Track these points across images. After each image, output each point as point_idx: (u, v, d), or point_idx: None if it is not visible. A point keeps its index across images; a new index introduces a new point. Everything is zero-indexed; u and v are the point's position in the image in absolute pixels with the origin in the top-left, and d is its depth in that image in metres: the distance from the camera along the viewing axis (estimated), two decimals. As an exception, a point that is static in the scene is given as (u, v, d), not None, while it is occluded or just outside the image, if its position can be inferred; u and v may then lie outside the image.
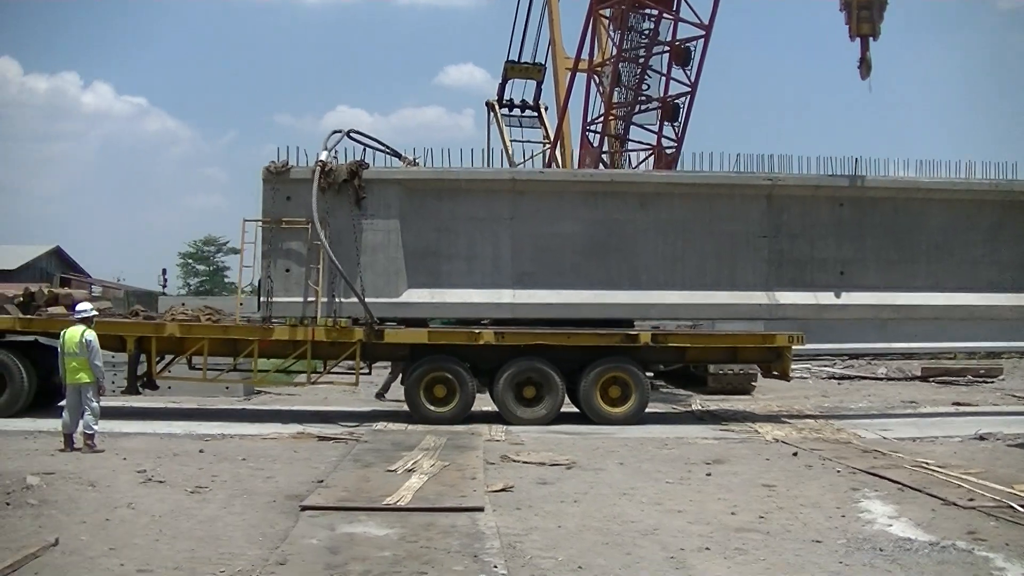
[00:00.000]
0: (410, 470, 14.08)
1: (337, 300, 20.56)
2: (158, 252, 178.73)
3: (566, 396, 20.99)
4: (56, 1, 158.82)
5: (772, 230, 21.89)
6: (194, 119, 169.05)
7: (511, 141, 37.57)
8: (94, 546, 9.92)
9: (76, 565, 9.21)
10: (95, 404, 16.21)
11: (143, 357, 21.02)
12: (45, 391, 21.55)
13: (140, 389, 21.50)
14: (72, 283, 61.68)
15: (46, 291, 22.15)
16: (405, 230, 20.91)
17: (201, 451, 16.21)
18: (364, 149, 21.46)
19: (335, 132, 21.38)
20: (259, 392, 26.88)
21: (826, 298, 21.96)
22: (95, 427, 16.06)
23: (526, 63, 38.84)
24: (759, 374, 25.56)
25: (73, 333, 16.36)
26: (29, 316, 21.20)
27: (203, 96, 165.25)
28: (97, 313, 18.25)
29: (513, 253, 21.23)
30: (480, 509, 11.52)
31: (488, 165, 22.69)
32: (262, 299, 20.81)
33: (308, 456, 16.10)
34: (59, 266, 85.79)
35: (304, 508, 11.56)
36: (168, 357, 21.60)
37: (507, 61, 38.77)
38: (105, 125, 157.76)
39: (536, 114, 39.59)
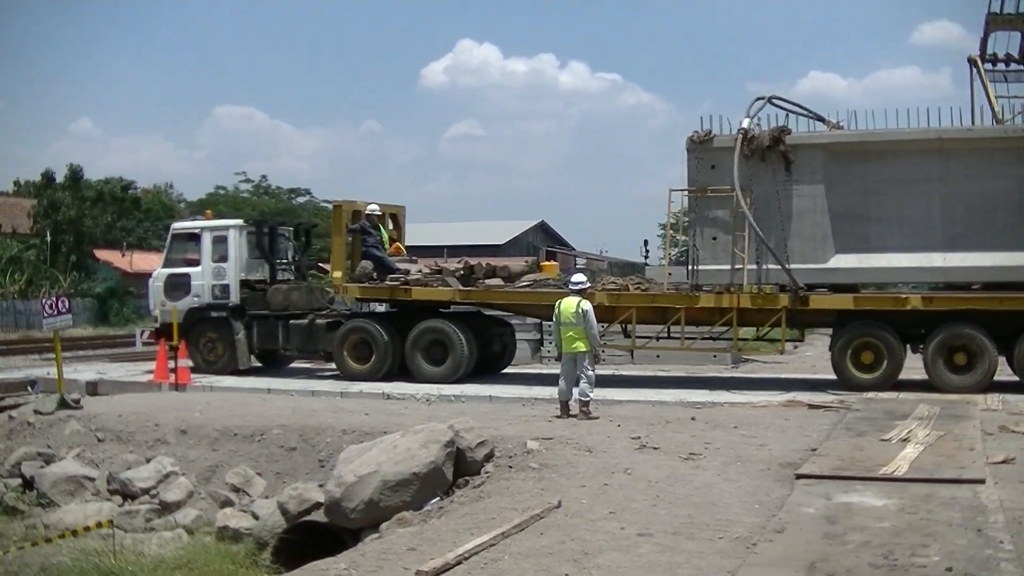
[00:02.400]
0: (904, 439, 13.55)
1: (764, 267, 20.80)
2: (639, 223, 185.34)
3: (999, 363, 20.01)
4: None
5: None
6: (668, 92, 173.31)
7: (996, 97, 35.70)
8: (595, 509, 10.25)
9: (579, 527, 9.54)
10: (591, 372, 16.84)
11: None
12: (485, 359, 23.46)
13: None
14: (557, 256, 65.83)
15: (484, 264, 23.56)
16: (830, 194, 20.76)
17: (693, 418, 16.52)
18: (787, 115, 21.59)
19: (757, 99, 21.51)
20: (746, 360, 27.18)
21: None
22: (590, 394, 16.75)
23: (1010, 14, 36.62)
24: None
25: (569, 304, 17.09)
26: (468, 288, 22.76)
27: (676, 69, 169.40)
28: (590, 285, 19.05)
29: (943, 215, 20.53)
30: (981, 481, 10.91)
31: (978, 123, 21.73)
32: (689, 267, 21.48)
33: (799, 424, 15.99)
34: (544, 240, 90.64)
35: (799, 476, 11.34)
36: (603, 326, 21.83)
37: (989, 13, 36.73)
38: (582, 103, 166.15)
39: (1024, 67, 37.43)
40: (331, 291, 25.24)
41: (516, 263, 24.55)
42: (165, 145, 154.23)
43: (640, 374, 23.82)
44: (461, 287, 22.75)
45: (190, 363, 23.05)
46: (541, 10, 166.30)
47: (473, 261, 24.07)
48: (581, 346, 16.82)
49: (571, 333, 16.91)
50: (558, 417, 16.71)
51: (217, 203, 70.97)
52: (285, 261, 26.19)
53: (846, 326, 20.57)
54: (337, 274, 24.06)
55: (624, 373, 23.70)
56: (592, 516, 10.06)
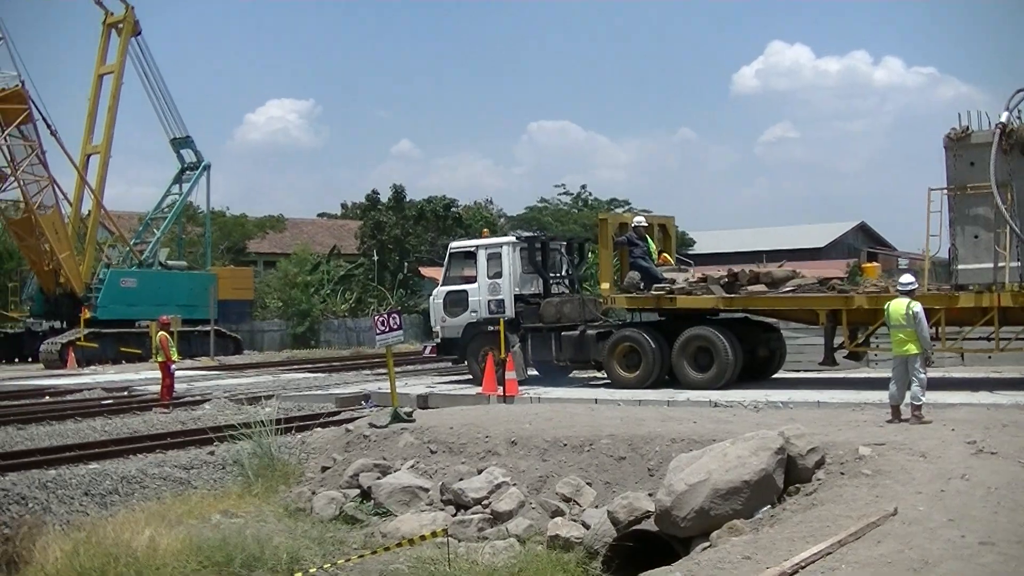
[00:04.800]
0: None
1: None
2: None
3: None
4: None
5: None
6: (987, 83, 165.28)
7: None
8: (932, 516, 10.15)
9: (917, 534, 9.50)
10: (922, 375, 16.45)
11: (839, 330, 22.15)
12: (753, 364, 23.87)
13: (836, 361, 22.63)
14: (879, 257, 64.16)
15: (747, 271, 23.64)
16: None
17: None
18: None
19: (1018, 91, 20.65)
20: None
21: None
22: (922, 398, 16.37)
23: None
24: None
25: (898, 306, 16.79)
26: (731, 295, 23.14)
27: (995, 59, 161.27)
28: (918, 286, 18.50)
29: None
30: None
31: None
32: (950, 267, 21.12)
33: None
34: (865, 241, 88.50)
35: None
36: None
37: None
38: (898, 98, 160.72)
39: None
40: (604, 302, 25.80)
41: (780, 269, 24.42)
42: (483, 162, 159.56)
43: (972, 376, 23.04)
44: (724, 294, 23.16)
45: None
46: (853, 6, 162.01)
47: (737, 268, 24.28)
48: (912, 348, 16.53)
49: (901, 335, 16.66)
50: (889, 422, 16.42)
51: (543, 216, 72.73)
52: (559, 275, 27.28)
53: None
54: (605, 285, 25.01)
55: (955, 375, 22.98)
56: (930, 524, 9.97)
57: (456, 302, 26.76)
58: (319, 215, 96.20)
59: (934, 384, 18.37)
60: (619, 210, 73.38)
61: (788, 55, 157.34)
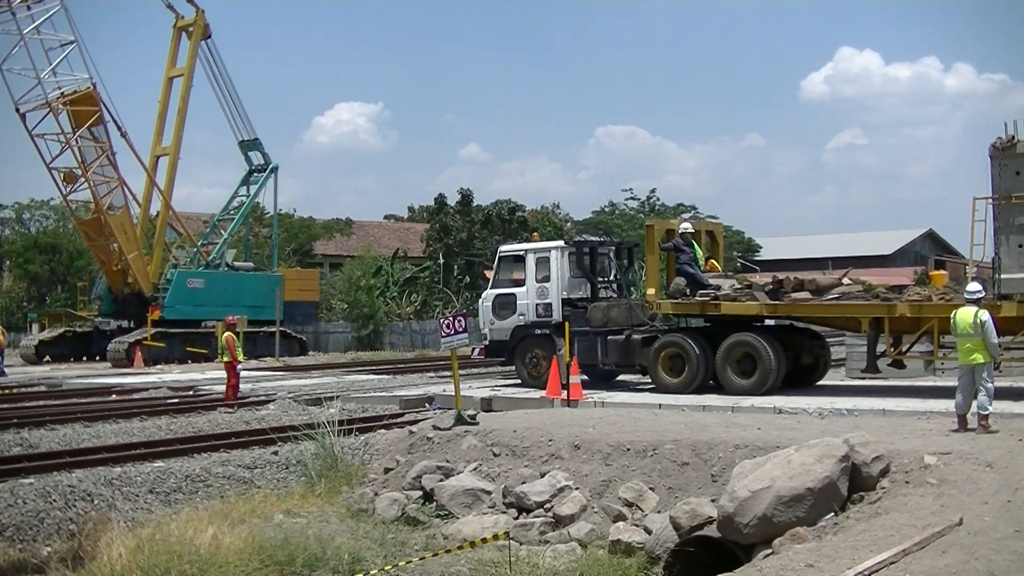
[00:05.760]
0: None
1: None
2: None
3: None
4: None
5: None
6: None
7: None
8: (999, 527, 10.02)
9: (982, 545, 9.38)
10: (990, 385, 16.25)
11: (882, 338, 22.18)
12: (797, 371, 23.95)
13: (879, 368, 22.54)
14: (947, 265, 63.65)
15: (792, 278, 23.73)
16: None
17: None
18: None
19: None
20: None
21: None
22: (989, 408, 16.14)
23: None
24: None
25: (965, 314, 16.57)
26: (775, 302, 23.19)
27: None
28: (984, 293, 18.19)
29: None
30: None
31: None
32: (994, 276, 20.88)
33: None
34: (933, 248, 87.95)
35: None
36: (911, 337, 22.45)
37: None
38: (968, 105, 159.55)
39: None
40: (650, 307, 25.93)
41: (825, 276, 24.45)
42: (551, 167, 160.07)
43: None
44: (768, 301, 23.25)
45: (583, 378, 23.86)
46: (924, 12, 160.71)
47: (782, 275, 24.41)
48: (979, 358, 16.35)
49: (968, 344, 16.48)
50: (955, 431, 16.24)
51: (611, 220, 72.72)
52: (607, 279, 27.59)
53: None
54: (651, 291, 25.35)
55: (1023, 385, 22.64)
56: (996, 535, 9.86)
57: (505, 305, 27.32)
58: (386, 217, 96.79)
59: (1001, 394, 18.16)
60: (686, 215, 73.24)
61: (857, 61, 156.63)
